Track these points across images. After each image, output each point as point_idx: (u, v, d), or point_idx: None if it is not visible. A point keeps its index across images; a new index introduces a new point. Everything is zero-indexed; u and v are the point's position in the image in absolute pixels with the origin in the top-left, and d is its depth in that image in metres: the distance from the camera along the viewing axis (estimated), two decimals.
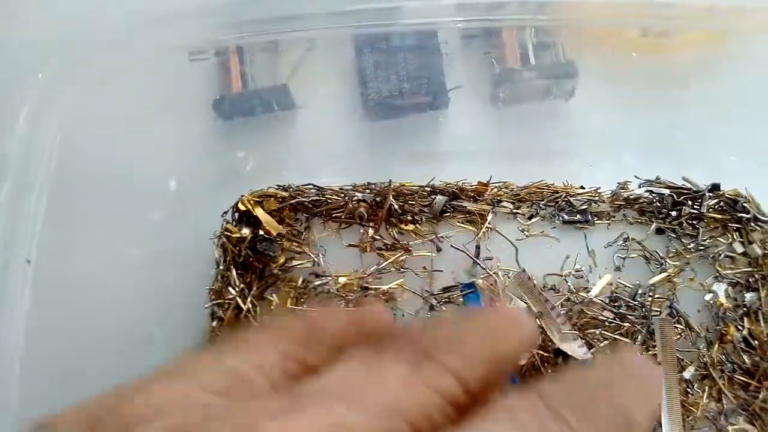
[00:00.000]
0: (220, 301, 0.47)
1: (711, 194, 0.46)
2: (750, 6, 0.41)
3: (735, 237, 0.46)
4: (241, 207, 0.49)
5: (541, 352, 0.44)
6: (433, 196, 0.48)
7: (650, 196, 0.47)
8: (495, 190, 0.49)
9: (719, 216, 0.46)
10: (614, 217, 0.47)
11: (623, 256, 0.47)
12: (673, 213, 0.46)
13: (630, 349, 0.41)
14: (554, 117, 0.49)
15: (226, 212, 0.49)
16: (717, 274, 0.46)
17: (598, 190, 0.48)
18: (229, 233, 0.49)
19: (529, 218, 0.48)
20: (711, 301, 0.45)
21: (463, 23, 0.43)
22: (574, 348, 0.43)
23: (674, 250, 0.46)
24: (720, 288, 0.44)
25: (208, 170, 0.51)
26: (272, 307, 0.48)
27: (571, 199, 0.48)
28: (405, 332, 0.23)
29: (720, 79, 0.46)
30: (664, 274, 0.45)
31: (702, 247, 0.46)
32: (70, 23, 0.40)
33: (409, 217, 0.48)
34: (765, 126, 0.47)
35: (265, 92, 0.50)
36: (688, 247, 0.46)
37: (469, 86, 0.48)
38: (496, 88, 0.48)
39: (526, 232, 0.47)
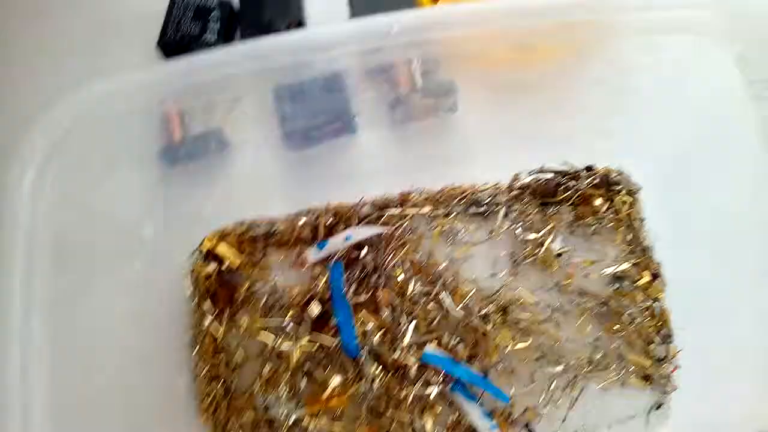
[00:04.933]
0: (198, 329, 0.56)
1: (587, 173, 0.56)
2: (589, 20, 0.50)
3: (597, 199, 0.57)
4: (206, 245, 0.58)
5: None
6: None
7: (538, 182, 0.57)
8: (415, 197, 0.58)
9: (595, 191, 0.56)
10: (512, 203, 0.57)
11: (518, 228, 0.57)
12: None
13: None
14: (445, 129, 0.58)
15: (193, 252, 0.58)
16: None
17: (497, 184, 0.57)
18: (198, 270, 0.57)
19: (445, 216, 0.57)
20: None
21: (362, 62, 0.51)
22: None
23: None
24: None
25: (169, 218, 0.58)
26: (243, 329, 0.56)
27: (477, 194, 0.57)
28: None
29: (575, 79, 0.56)
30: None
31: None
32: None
33: (341, 228, 0.57)
34: (618, 113, 0.56)
35: (203, 137, 0.57)
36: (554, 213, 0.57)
37: (371, 112, 0.58)
38: (393, 111, 0.57)
39: (441, 227, 0.57)
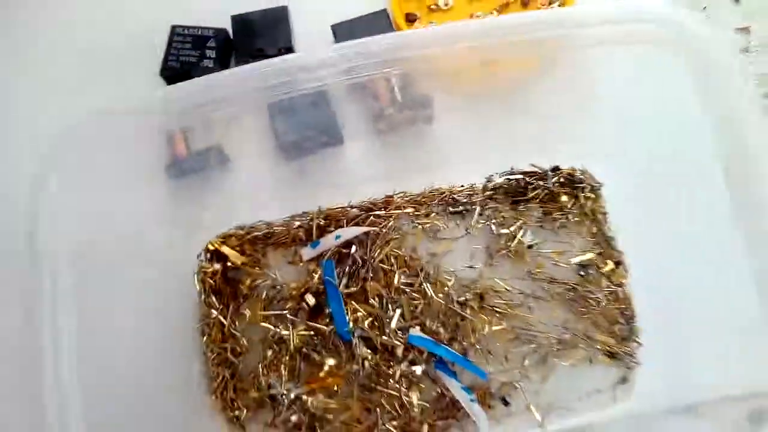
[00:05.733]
0: (207, 320, 0.62)
1: (553, 173, 0.63)
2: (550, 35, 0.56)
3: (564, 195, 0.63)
4: (210, 248, 0.64)
5: None
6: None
7: (509, 182, 0.63)
8: (398, 199, 0.64)
9: (561, 189, 0.63)
10: (487, 202, 0.63)
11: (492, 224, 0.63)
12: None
13: None
14: (423, 138, 0.65)
15: (199, 254, 0.64)
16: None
17: (473, 185, 0.64)
18: (205, 269, 0.63)
19: (426, 216, 0.63)
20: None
21: (345, 81, 0.56)
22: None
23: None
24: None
25: (177, 226, 0.64)
26: (246, 320, 0.62)
27: (455, 195, 0.64)
28: None
29: (542, 88, 0.62)
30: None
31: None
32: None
33: (332, 229, 0.63)
34: (583, 118, 0.63)
35: (205, 152, 0.64)
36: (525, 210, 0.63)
37: (356, 125, 0.64)
38: (376, 123, 0.64)
39: (422, 226, 0.63)
